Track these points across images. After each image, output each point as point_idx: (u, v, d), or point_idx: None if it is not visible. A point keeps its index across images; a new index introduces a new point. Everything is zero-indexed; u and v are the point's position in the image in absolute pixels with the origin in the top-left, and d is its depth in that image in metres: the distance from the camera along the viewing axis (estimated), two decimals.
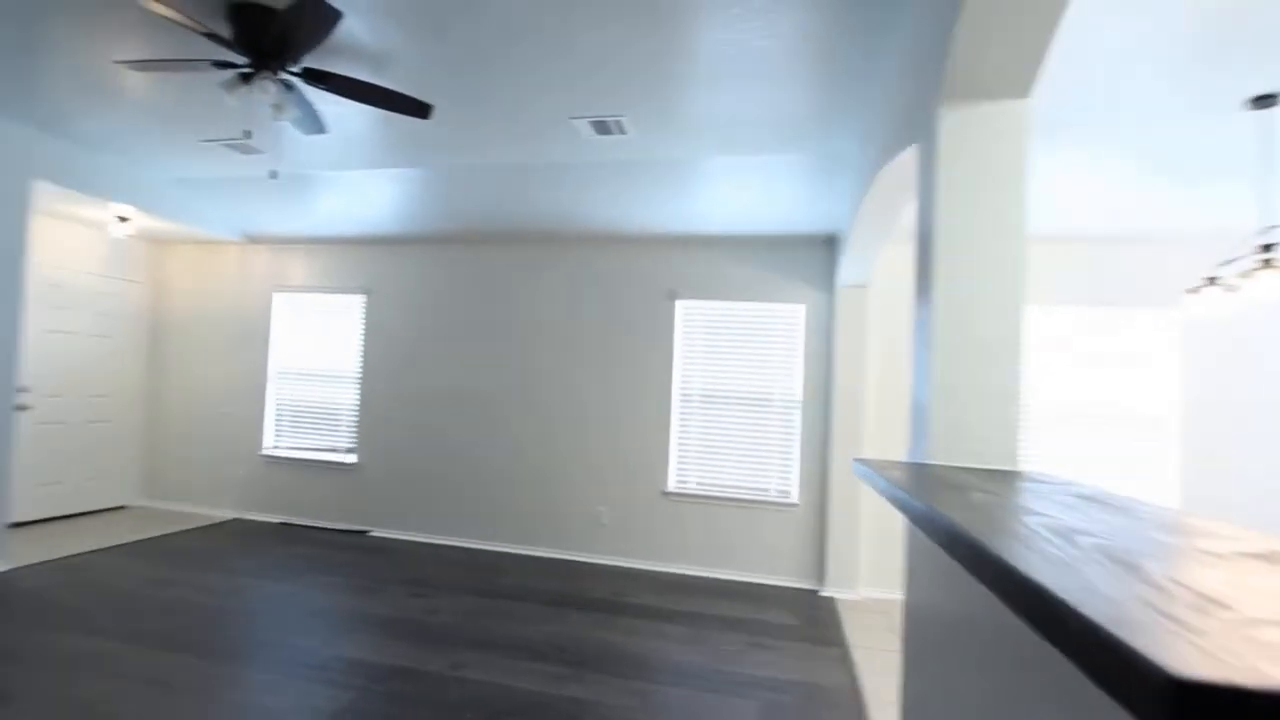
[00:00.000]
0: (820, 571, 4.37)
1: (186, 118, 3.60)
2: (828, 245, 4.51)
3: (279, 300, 5.52)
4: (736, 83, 2.79)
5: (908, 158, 2.26)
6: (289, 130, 3.64)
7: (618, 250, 4.85)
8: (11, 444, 3.90)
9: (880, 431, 4.33)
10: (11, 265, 3.86)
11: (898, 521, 4.25)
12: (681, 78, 2.78)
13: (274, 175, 3.37)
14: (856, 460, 1.40)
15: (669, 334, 4.70)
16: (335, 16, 2.16)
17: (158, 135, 3.90)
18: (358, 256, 5.39)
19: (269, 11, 2.37)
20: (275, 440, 5.50)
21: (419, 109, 2.71)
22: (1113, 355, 4.17)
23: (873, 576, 4.30)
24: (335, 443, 5.39)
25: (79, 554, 4.29)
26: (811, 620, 3.76)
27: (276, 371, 5.51)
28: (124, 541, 4.63)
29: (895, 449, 4.28)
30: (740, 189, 3.97)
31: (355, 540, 4.99)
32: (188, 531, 5.00)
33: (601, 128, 3.28)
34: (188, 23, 2.21)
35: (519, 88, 2.95)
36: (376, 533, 5.18)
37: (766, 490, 4.52)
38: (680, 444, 4.68)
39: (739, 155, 3.62)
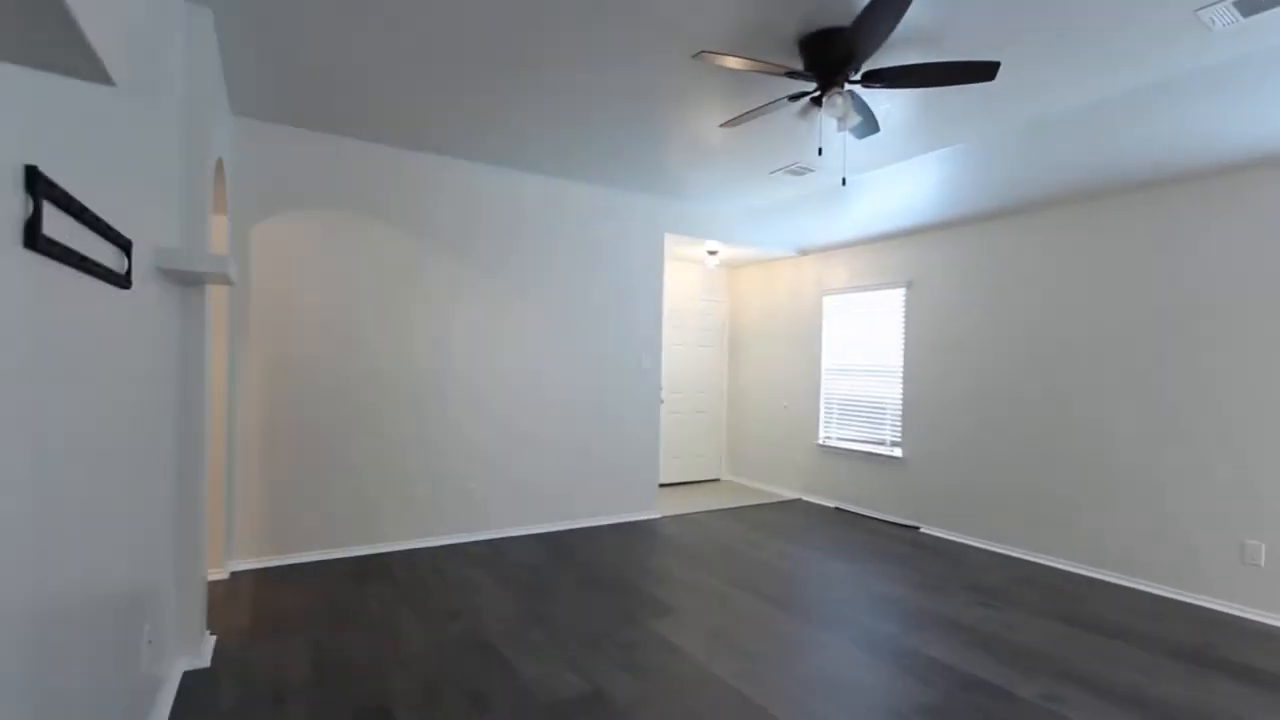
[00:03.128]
0: None
1: (755, 156, 4.28)
2: None
3: (827, 303, 6.04)
4: None
5: None
6: (838, 140, 3.91)
7: (1254, 183, 3.43)
8: (659, 428, 5.42)
9: None
10: (656, 300, 5.40)
11: None
12: None
13: (844, 183, 3.66)
14: None
15: None
16: (905, 5, 2.15)
17: (735, 177, 4.79)
18: (896, 251, 5.42)
19: (836, 31, 2.56)
20: (827, 432, 6.02)
21: (984, 71, 2.48)
22: None
23: None
24: (881, 435, 5.53)
25: (693, 512, 5.62)
26: None
27: (826, 369, 6.03)
28: (720, 507, 5.84)
29: None
30: None
31: (907, 534, 4.99)
32: (763, 505, 5.95)
33: (1254, 4, 2.34)
34: (771, 69, 2.58)
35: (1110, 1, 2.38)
36: (926, 529, 5.06)
37: None
38: None
39: None
